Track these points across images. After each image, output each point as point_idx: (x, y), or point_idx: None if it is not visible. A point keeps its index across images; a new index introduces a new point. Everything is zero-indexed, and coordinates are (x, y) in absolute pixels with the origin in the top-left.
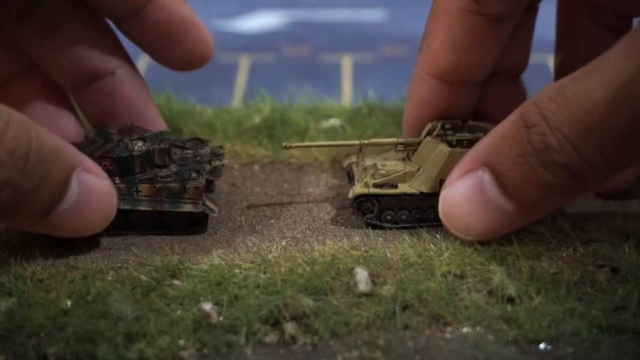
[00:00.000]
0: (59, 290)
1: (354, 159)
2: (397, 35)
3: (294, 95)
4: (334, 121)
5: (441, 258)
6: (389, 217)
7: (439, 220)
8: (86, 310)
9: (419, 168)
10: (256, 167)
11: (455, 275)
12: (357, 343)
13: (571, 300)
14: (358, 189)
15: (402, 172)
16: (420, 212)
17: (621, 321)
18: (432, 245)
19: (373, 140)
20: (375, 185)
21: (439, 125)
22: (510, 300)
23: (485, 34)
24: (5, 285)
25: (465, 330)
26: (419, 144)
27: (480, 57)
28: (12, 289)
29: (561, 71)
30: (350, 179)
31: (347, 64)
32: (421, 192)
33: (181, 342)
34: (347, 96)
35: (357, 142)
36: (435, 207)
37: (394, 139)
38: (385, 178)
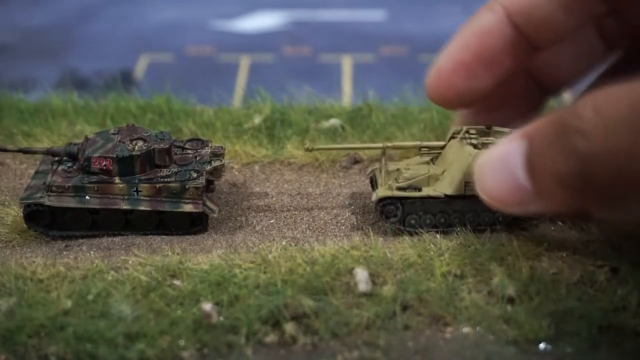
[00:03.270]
0: (59, 290)
1: (377, 165)
2: (397, 35)
3: (294, 95)
4: (334, 121)
5: (441, 258)
6: (412, 221)
7: (463, 224)
8: (86, 310)
9: (444, 171)
10: (256, 167)
11: (455, 275)
12: (357, 343)
13: (571, 300)
14: (381, 191)
15: (426, 175)
16: (444, 216)
17: (621, 321)
18: (432, 246)
19: (396, 143)
20: (399, 189)
21: (464, 130)
22: (510, 300)
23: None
24: (5, 285)
25: (465, 330)
26: (442, 147)
27: (560, 18)
28: (12, 289)
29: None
30: (373, 185)
31: (347, 64)
32: (446, 195)
33: (181, 342)
34: (347, 96)
35: (380, 144)
36: (459, 211)
37: (418, 142)
38: (409, 181)
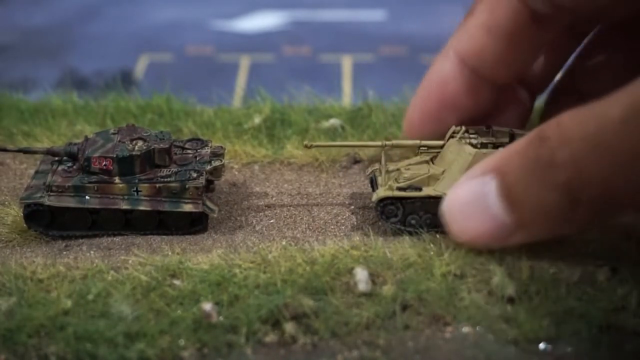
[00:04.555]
0: (59, 290)
1: (377, 166)
2: (397, 35)
3: (294, 95)
4: (334, 121)
5: (441, 258)
6: (413, 221)
7: None
8: (86, 310)
9: (444, 171)
10: (256, 167)
11: (455, 275)
12: (357, 343)
13: (571, 300)
14: (382, 192)
15: (426, 175)
16: None
17: (621, 321)
18: (432, 245)
19: (395, 141)
20: (399, 189)
21: (463, 129)
22: (510, 300)
23: (525, 30)
24: (5, 285)
25: (465, 330)
26: (442, 146)
27: (511, 55)
28: (12, 288)
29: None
30: (373, 186)
31: (347, 64)
32: (445, 195)
33: (181, 342)
34: (347, 96)
35: (380, 143)
36: None
37: (417, 141)
38: (409, 181)
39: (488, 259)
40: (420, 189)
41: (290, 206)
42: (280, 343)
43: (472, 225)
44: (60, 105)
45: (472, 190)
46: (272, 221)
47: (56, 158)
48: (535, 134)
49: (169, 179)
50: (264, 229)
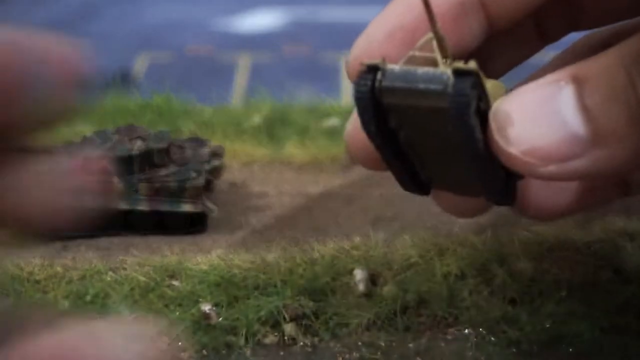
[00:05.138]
0: (57, 292)
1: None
2: None
3: (294, 94)
4: (334, 121)
5: (442, 259)
6: None
7: None
8: (84, 311)
9: None
10: (256, 167)
11: (456, 275)
12: (358, 344)
13: (573, 301)
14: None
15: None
16: None
17: (623, 322)
18: (433, 246)
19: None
20: None
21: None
22: (512, 301)
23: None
24: (1, 286)
25: (466, 331)
26: None
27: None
28: (8, 289)
29: None
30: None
31: None
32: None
33: (180, 343)
34: (347, 96)
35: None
36: None
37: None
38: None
39: (489, 259)
40: None
41: (290, 206)
42: (280, 344)
43: (535, 131)
44: None
45: (539, 93)
46: (272, 221)
47: None
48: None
49: (168, 179)
50: (264, 229)
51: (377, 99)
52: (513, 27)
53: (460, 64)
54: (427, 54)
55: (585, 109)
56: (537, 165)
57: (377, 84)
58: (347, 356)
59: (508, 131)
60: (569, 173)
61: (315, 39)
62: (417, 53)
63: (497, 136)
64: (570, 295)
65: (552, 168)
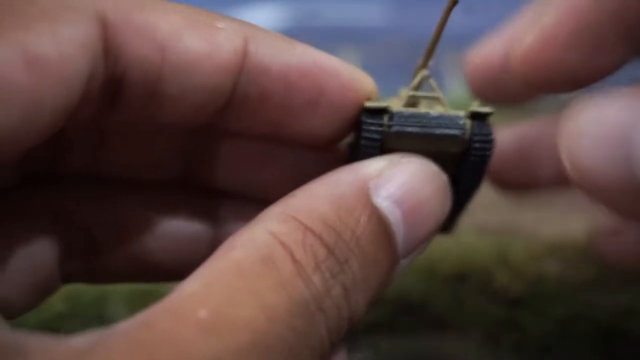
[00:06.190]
0: (53, 294)
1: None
2: (397, 35)
3: None
4: None
5: (443, 259)
6: None
7: None
8: (81, 314)
9: None
10: None
11: (458, 277)
12: (359, 347)
13: (576, 303)
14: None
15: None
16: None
17: (628, 325)
18: (433, 246)
19: None
20: None
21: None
22: (514, 302)
23: None
24: None
25: (468, 333)
26: None
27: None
28: None
29: None
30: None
31: None
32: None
33: None
34: None
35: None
36: None
37: None
38: None
39: (491, 260)
40: None
41: None
42: None
43: (594, 155)
44: None
45: (619, 118)
46: None
47: None
48: None
49: None
50: None
51: (383, 144)
52: None
53: (475, 106)
54: (427, 93)
55: None
56: (591, 187)
57: (384, 128)
58: (349, 358)
59: (573, 150)
60: (621, 208)
61: (315, 39)
62: (416, 93)
63: (564, 150)
64: (573, 297)
65: (608, 194)
